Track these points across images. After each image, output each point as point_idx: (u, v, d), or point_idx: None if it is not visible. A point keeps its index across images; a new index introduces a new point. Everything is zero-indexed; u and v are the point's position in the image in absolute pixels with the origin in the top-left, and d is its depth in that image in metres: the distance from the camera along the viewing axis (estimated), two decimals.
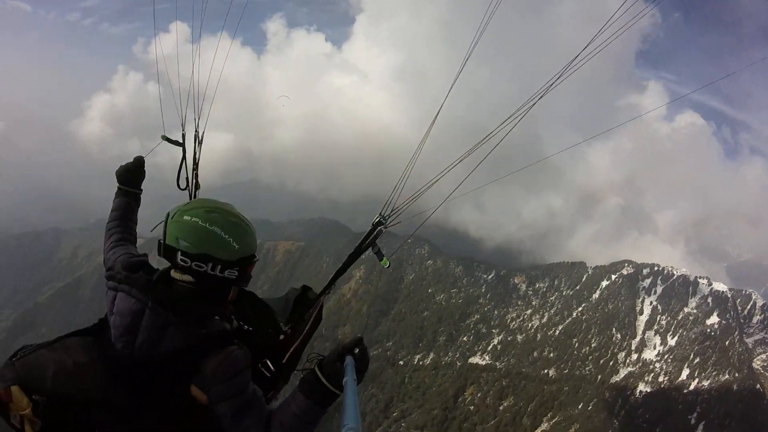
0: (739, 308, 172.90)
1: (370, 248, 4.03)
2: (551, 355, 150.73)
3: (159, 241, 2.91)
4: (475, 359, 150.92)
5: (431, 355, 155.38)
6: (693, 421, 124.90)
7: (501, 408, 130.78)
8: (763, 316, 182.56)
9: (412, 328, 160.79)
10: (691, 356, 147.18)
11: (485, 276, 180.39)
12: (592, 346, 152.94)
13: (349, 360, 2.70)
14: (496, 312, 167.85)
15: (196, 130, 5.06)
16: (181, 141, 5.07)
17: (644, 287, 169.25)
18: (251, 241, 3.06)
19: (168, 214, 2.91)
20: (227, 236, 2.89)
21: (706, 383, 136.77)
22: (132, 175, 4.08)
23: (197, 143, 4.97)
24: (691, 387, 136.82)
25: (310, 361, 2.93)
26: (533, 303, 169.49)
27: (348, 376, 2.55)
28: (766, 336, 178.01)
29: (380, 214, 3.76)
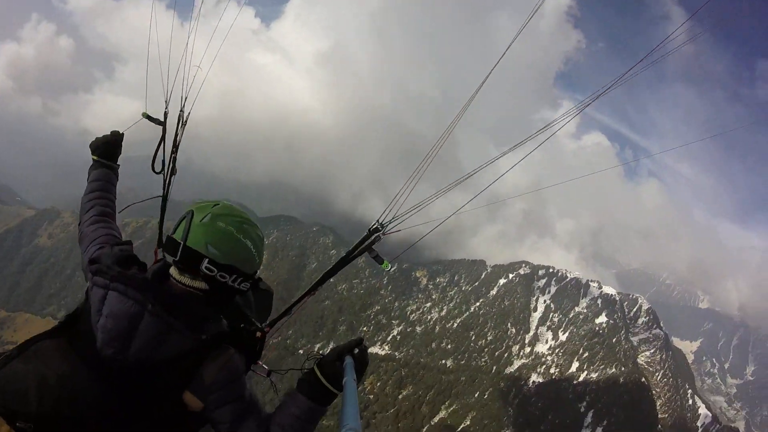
0: (626, 310, 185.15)
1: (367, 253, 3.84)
2: (449, 346, 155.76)
3: (170, 237, 2.64)
4: (374, 349, 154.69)
5: (331, 344, 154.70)
6: (582, 410, 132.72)
7: (400, 397, 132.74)
8: (647, 318, 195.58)
9: (313, 317, 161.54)
10: (581, 351, 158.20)
11: (388, 268, 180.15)
12: (488, 339, 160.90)
13: (348, 360, 2.66)
14: (396, 304, 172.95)
15: (181, 110, 4.73)
16: (162, 120, 4.66)
17: (539, 287, 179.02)
18: (263, 254, 2.93)
19: (191, 213, 2.62)
20: (254, 251, 2.74)
21: (594, 375, 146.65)
22: (110, 148, 3.77)
23: (180, 124, 4.68)
24: (581, 378, 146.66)
25: (309, 360, 2.88)
26: (433, 296, 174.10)
27: (348, 376, 2.51)
28: (649, 336, 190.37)
29: (378, 220, 3.58)
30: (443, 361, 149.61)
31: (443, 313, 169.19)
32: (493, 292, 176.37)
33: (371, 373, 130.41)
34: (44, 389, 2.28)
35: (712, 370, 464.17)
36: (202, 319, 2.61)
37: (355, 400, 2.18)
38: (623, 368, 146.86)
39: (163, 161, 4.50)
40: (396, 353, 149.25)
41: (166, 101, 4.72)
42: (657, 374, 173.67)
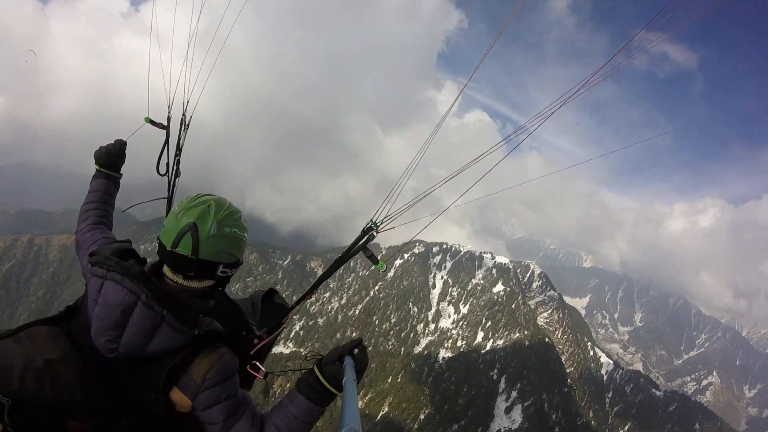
0: (520, 277, 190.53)
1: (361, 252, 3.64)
2: (353, 334, 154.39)
3: (173, 252, 2.55)
4: (278, 349, 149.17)
5: None
6: (495, 377, 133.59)
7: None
8: (540, 281, 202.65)
9: None
10: (483, 320, 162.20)
11: (281, 262, 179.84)
12: (392, 321, 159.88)
13: (348, 360, 2.67)
14: (294, 298, 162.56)
15: (183, 113, 4.67)
16: (165, 123, 4.66)
17: (435, 263, 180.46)
18: None
19: (194, 226, 2.55)
20: (246, 239, 2.79)
21: (500, 342, 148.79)
22: (113, 158, 3.81)
23: (183, 128, 4.67)
24: (488, 347, 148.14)
25: (309, 360, 2.88)
26: (331, 285, 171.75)
27: (347, 377, 2.52)
28: (545, 298, 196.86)
29: (371, 220, 3.45)
30: None
31: (343, 301, 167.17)
32: (391, 273, 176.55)
33: (279, 376, 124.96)
34: (29, 369, 2.28)
35: (603, 321, 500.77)
36: (196, 314, 2.60)
37: (355, 401, 2.20)
38: (526, 332, 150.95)
39: (168, 164, 4.55)
40: (301, 349, 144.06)
41: (168, 106, 4.67)
42: (557, 332, 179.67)
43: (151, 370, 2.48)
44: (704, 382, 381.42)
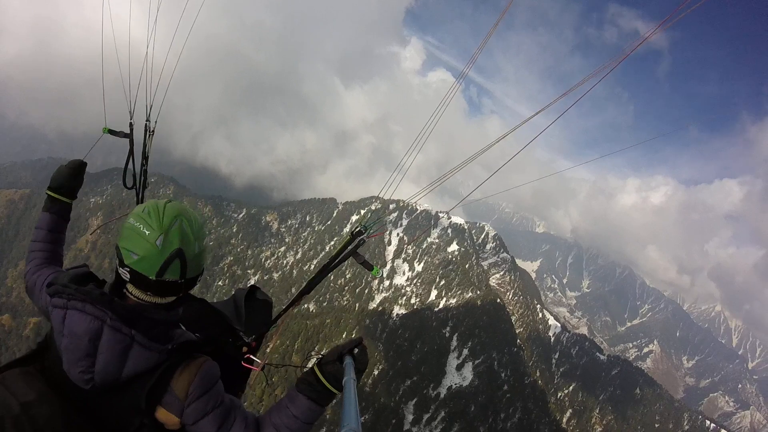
0: (475, 238, 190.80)
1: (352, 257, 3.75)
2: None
3: (164, 281, 2.51)
4: None
5: None
6: (447, 334, 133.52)
7: (268, 350, 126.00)
8: (494, 243, 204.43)
9: None
10: (437, 279, 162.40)
11: (236, 215, 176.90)
12: (347, 277, 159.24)
13: (348, 360, 2.64)
14: (249, 252, 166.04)
15: (147, 120, 4.56)
16: (128, 132, 4.51)
17: (391, 220, 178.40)
18: None
19: (181, 252, 2.51)
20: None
21: (453, 301, 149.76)
22: (68, 182, 3.45)
23: (148, 135, 4.53)
24: (441, 305, 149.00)
25: (309, 360, 2.65)
26: (286, 240, 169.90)
27: (347, 376, 2.47)
28: (497, 259, 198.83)
29: (361, 223, 3.53)
30: (306, 306, 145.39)
31: (299, 256, 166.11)
32: (346, 229, 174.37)
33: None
34: (6, 416, 2.17)
35: (552, 285, 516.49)
36: (166, 328, 2.51)
37: (355, 401, 2.16)
38: (478, 291, 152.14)
39: (134, 175, 4.40)
40: None
41: (130, 112, 4.46)
42: (508, 294, 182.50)
43: (132, 394, 2.38)
44: (645, 350, 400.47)
